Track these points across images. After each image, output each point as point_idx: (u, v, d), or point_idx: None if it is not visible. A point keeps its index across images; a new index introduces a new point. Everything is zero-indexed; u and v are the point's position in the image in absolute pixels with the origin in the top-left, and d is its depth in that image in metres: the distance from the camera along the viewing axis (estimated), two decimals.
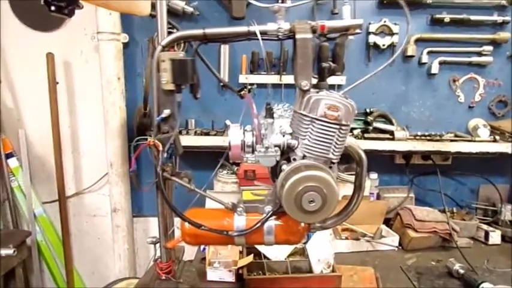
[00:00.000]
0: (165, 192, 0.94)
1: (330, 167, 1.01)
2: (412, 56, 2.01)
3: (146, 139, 0.99)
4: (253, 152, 1.00)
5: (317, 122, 0.94)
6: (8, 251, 1.56)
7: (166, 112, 0.95)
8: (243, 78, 2.01)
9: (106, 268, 2.29)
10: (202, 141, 1.94)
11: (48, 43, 2.01)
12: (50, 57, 1.96)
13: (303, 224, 1.04)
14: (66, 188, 2.15)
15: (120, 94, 1.97)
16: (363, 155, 1.04)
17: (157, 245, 1.18)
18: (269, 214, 1.03)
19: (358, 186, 1.07)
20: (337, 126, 0.95)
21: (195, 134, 1.98)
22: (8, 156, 2.10)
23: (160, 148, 0.92)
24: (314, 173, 0.93)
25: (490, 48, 2.01)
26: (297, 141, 0.98)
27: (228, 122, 2.14)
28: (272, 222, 1.05)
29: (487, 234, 1.92)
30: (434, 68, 2.03)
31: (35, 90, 2.06)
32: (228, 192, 1.88)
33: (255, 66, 2.01)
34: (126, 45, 2.00)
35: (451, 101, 2.11)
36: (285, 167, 0.98)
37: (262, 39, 0.96)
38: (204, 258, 1.63)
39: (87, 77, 2.07)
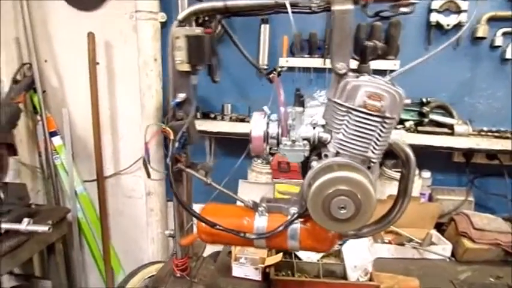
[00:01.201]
0: (175, 186, 0.85)
1: (369, 168, 0.85)
2: (483, 38, 1.72)
3: (160, 125, 0.90)
4: (278, 144, 0.87)
5: (354, 112, 0.78)
6: (43, 228, 1.59)
7: (181, 96, 0.85)
8: (284, 62, 1.85)
9: (140, 250, 2.31)
10: (237, 127, 1.84)
11: (90, 23, 2.00)
12: (91, 37, 1.95)
13: (333, 231, 0.90)
14: (104, 168, 2.18)
15: (156, 76, 1.92)
16: (411, 155, 0.86)
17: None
18: (293, 217, 0.90)
19: (403, 191, 0.90)
20: (380, 119, 0.78)
21: (231, 119, 1.88)
22: (52, 134, 2.16)
23: (171, 136, 0.82)
24: (347, 174, 0.78)
25: None
26: (330, 135, 0.84)
27: (265, 108, 2.02)
28: (297, 226, 0.92)
29: None
30: (510, 53, 1.72)
31: (78, 70, 2.07)
32: (261, 183, 1.76)
33: (297, 49, 1.85)
34: (164, 25, 1.93)
35: None
36: (315, 164, 0.84)
37: (293, 12, 0.81)
38: (231, 252, 1.55)
39: (126, 58, 2.04)
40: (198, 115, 1.89)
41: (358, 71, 0.81)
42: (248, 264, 1.44)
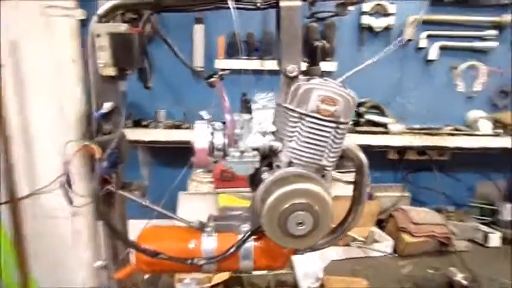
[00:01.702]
0: (104, 212, 0.71)
1: (323, 176, 0.80)
2: (409, 40, 1.80)
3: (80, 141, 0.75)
4: (225, 156, 0.78)
5: (307, 118, 0.72)
6: None
7: (107, 106, 0.71)
8: (220, 64, 1.76)
9: (68, 275, 2.04)
10: (173, 135, 1.70)
11: None
12: None
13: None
14: (18, 188, 1.88)
15: (76, 80, 1.70)
16: (364, 160, 0.82)
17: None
18: (246, 235, 0.81)
19: (358, 198, 0.86)
20: (334, 125, 0.73)
21: (165, 127, 1.74)
22: None
23: (97, 155, 0.68)
24: (303, 186, 0.71)
25: (493, 32, 1.82)
26: (282, 144, 0.76)
27: (203, 113, 1.91)
28: (250, 244, 0.83)
29: (485, 236, 1.77)
30: (433, 54, 1.83)
31: None
32: (203, 194, 1.65)
33: (233, 50, 1.77)
34: (83, 23, 1.72)
35: (450, 90, 1.93)
36: (266, 176, 0.76)
37: (237, 7, 0.72)
38: None
39: (39, 60, 1.78)
40: (129, 123, 1.71)
41: (308, 74, 0.75)
42: (193, 284, 1.32)
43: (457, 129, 1.86)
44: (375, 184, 1.92)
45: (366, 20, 1.77)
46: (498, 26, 1.83)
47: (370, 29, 1.80)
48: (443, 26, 1.82)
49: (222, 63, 1.75)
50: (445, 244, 1.67)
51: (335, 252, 1.61)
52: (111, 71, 0.68)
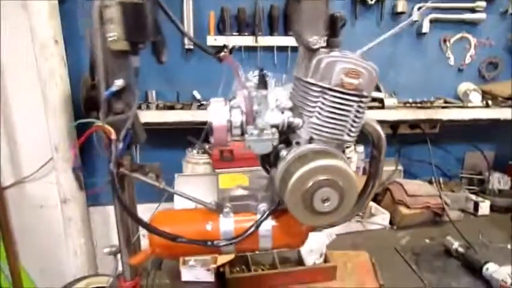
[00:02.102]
0: (122, 196, 0.67)
1: (343, 152, 0.79)
2: (402, 13, 1.78)
3: (93, 121, 0.70)
4: (242, 135, 0.75)
5: (330, 93, 0.70)
6: None
7: (118, 83, 0.66)
8: (212, 40, 1.70)
9: (60, 265, 1.98)
10: (166, 116, 1.64)
11: None
12: None
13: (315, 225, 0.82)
14: (2, 177, 1.78)
15: (59, 61, 1.60)
16: (383, 135, 0.82)
17: (119, 256, 0.91)
18: (266, 214, 0.80)
19: (374, 173, 0.86)
20: (357, 99, 0.71)
21: (157, 108, 1.67)
22: None
23: (113, 136, 0.64)
24: (327, 162, 0.70)
25: (483, 3, 1.83)
26: (301, 120, 0.74)
27: (196, 92, 1.85)
28: (269, 224, 0.82)
29: (476, 205, 1.83)
30: (425, 27, 1.83)
31: None
32: (201, 175, 1.62)
33: (225, 26, 1.70)
34: (61, 1, 1.60)
35: (441, 63, 1.94)
36: (285, 154, 0.74)
37: None
38: None
39: (16, 41, 1.66)
40: None
41: (328, 46, 0.72)
42: (198, 266, 1.31)
43: (447, 102, 1.89)
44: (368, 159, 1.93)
45: None
46: None
47: (363, 1, 1.77)
48: None
49: (214, 40, 1.68)
50: (439, 214, 1.72)
51: (335, 228, 1.62)
52: (123, 45, 0.63)
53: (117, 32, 0.61)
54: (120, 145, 0.65)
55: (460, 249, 1.44)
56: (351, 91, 0.70)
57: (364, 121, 0.77)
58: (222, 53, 0.85)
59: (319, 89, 0.70)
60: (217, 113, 0.72)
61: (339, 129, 0.73)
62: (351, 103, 0.71)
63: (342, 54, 0.70)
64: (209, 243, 0.76)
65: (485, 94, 1.87)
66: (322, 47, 0.70)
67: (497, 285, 1.24)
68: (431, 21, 1.83)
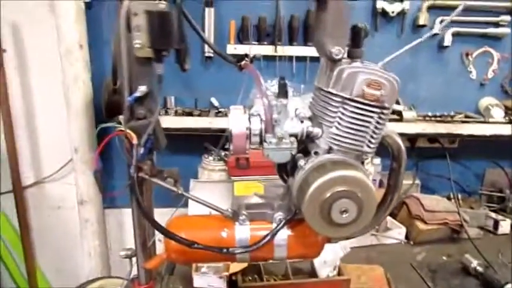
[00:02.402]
0: (141, 200, 0.68)
1: (362, 163, 0.78)
2: (423, 26, 1.77)
3: (114, 126, 0.71)
4: (261, 143, 0.75)
5: (351, 103, 0.69)
6: None
7: (141, 90, 0.67)
8: (232, 49, 1.72)
9: (75, 267, 2.01)
10: (184, 122, 1.66)
11: None
12: None
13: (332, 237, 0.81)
14: (22, 177, 1.83)
15: (83, 66, 1.65)
16: (403, 148, 0.81)
17: (134, 260, 0.92)
18: (282, 223, 0.79)
19: (394, 186, 0.84)
20: (378, 110, 0.70)
21: (176, 114, 1.70)
22: None
23: (135, 141, 0.65)
24: (346, 173, 0.69)
25: (508, 18, 1.80)
26: (321, 129, 0.74)
27: (213, 99, 1.87)
28: (284, 233, 0.81)
29: (496, 223, 1.78)
30: (447, 40, 1.81)
31: None
32: (217, 182, 1.62)
33: (245, 35, 1.72)
34: (89, 6, 1.65)
35: (462, 77, 1.91)
36: (303, 163, 0.74)
37: None
38: None
39: (42, 45, 1.72)
40: None
41: (350, 56, 0.72)
42: (211, 273, 1.30)
43: (467, 116, 1.85)
44: (385, 172, 1.90)
45: (380, 4, 1.73)
46: (511, 12, 1.80)
47: (384, 13, 1.76)
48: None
49: (234, 49, 1.70)
50: (457, 231, 1.68)
51: (349, 241, 1.60)
52: (147, 53, 0.64)
53: (143, 39, 0.63)
54: (141, 150, 0.66)
55: (479, 268, 1.40)
56: (372, 102, 0.69)
57: (384, 133, 0.77)
58: (243, 62, 0.86)
59: (339, 99, 0.70)
60: (237, 120, 0.73)
61: (358, 140, 0.72)
62: (372, 114, 0.70)
63: (364, 65, 0.70)
64: (224, 250, 0.76)
65: (507, 110, 1.83)
66: (344, 58, 0.70)
67: None
68: (454, 35, 1.81)
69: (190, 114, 1.70)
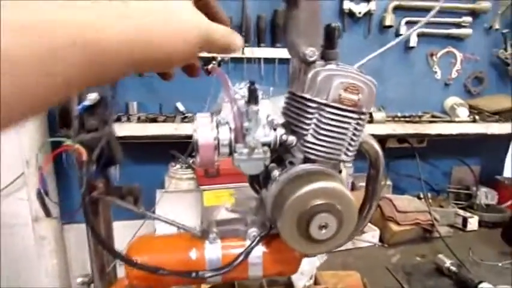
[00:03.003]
0: (95, 224, 0.59)
1: (339, 172, 0.73)
2: (390, 26, 1.77)
3: (62, 140, 0.62)
4: (231, 154, 0.68)
5: (327, 109, 0.64)
6: None
7: (92, 97, 0.58)
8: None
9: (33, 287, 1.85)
10: (148, 129, 1.56)
11: None
12: None
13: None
14: None
15: None
16: (381, 154, 0.76)
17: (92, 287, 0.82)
18: (256, 240, 0.73)
19: (372, 194, 0.80)
20: (356, 116, 0.66)
21: (139, 120, 1.59)
22: None
23: (84, 157, 0.56)
24: (324, 185, 0.64)
25: (469, 19, 1.84)
26: (296, 137, 0.68)
27: (179, 104, 1.78)
28: (259, 250, 0.75)
29: (465, 220, 1.81)
30: (413, 41, 1.82)
31: None
32: (185, 192, 1.53)
33: None
34: None
35: (428, 78, 1.94)
36: (277, 174, 0.68)
37: None
38: None
39: None
40: None
41: (324, 58, 0.66)
42: None
43: (434, 116, 1.88)
44: (357, 174, 1.89)
45: (347, 5, 1.72)
46: (473, 13, 1.85)
47: (350, 14, 1.75)
48: (421, 12, 1.80)
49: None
50: (428, 231, 1.69)
51: None
52: None
53: None
54: (93, 167, 0.57)
55: (452, 268, 1.40)
56: (349, 107, 0.64)
57: (361, 138, 0.72)
58: (211, 65, 0.79)
59: (315, 105, 0.64)
60: (203, 130, 0.66)
61: (336, 149, 0.67)
62: (350, 120, 0.65)
63: (339, 68, 0.65)
64: (194, 274, 0.68)
65: (471, 109, 1.87)
66: (318, 60, 0.65)
67: None
68: (419, 36, 1.83)
69: (154, 120, 1.60)
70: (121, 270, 0.83)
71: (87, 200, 0.56)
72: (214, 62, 0.79)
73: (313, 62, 0.63)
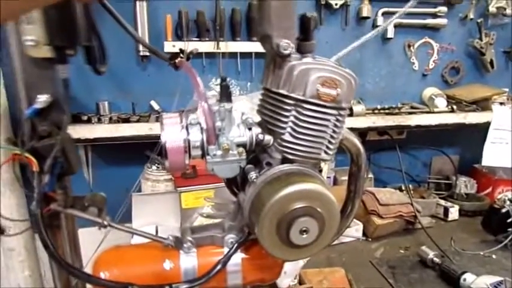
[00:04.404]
0: (49, 240, 0.53)
1: (320, 171, 0.69)
2: (367, 18, 1.75)
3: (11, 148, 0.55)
4: (203, 156, 0.63)
5: (304, 105, 0.60)
6: None
7: (42, 99, 0.52)
8: (170, 46, 1.57)
9: None
10: (120, 130, 1.48)
11: None
12: None
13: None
14: None
15: None
16: (362, 150, 0.73)
17: None
18: (234, 247, 0.68)
19: (354, 192, 0.77)
20: (335, 112, 0.62)
21: (110, 121, 1.51)
22: None
23: (35, 168, 0.50)
24: (304, 187, 0.60)
25: (444, 9, 1.83)
26: (272, 137, 0.64)
27: (153, 103, 1.71)
28: (238, 257, 0.70)
29: (446, 210, 1.82)
30: (390, 32, 1.80)
31: None
32: (161, 194, 1.47)
33: (183, 31, 1.58)
34: None
35: (406, 68, 1.93)
36: (254, 177, 0.63)
37: None
38: None
39: None
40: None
41: (299, 51, 0.62)
42: None
43: (413, 107, 1.87)
44: (338, 168, 1.87)
45: None
46: (448, 3, 1.84)
47: (327, 5, 1.71)
48: (397, 2, 1.78)
49: (172, 46, 1.55)
50: (411, 222, 1.69)
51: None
52: (45, 52, 0.49)
53: (37, 34, 0.48)
54: (46, 178, 0.51)
55: (436, 260, 1.40)
56: (328, 103, 0.60)
57: (342, 136, 0.68)
58: (178, 59, 0.73)
59: (291, 102, 0.60)
60: (171, 131, 0.60)
61: (315, 147, 0.63)
62: (329, 117, 0.62)
63: (316, 61, 0.60)
64: (167, 287, 0.63)
65: (449, 99, 1.87)
66: (294, 53, 0.60)
67: None
68: (396, 26, 1.81)
69: (127, 120, 1.52)
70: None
71: (38, 214, 0.50)
72: (182, 56, 0.74)
73: (288, 55, 0.59)
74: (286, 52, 0.58)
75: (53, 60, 0.51)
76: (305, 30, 0.61)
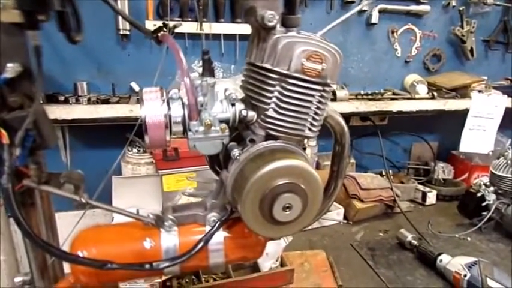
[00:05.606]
0: (22, 217, 0.50)
1: (304, 149, 0.69)
2: (352, 2, 1.74)
3: None
4: (185, 132, 0.62)
5: (289, 80, 0.59)
6: None
7: (12, 68, 0.49)
8: (151, 26, 1.51)
9: None
10: (99, 111, 1.44)
11: None
12: None
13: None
14: None
15: None
16: (346, 129, 0.73)
17: None
18: (216, 225, 0.67)
19: (337, 171, 0.77)
20: (320, 87, 0.61)
21: (89, 102, 1.46)
22: None
23: (5, 141, 0.47)
24: (288, 163, 0.59)
25: None
26: (256, 112, 0.62)
27: (134, 84, 1.66)
28: (220, 236, 0.70)
29: (424, 195, 1.86)
30: (374, 17, 1.80)
31: None
32: (142, 177, 1.44)
33: (165, 10, 1.53)
34: None
35: (389, 55, 1.94)
36: (237, 154, 0.62)
37: None
38: None
39: None
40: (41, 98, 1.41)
41: (284, 25, 0.60)
42: (141, 281, 1.15)
43: (395, 94, 1.89)
44: (321, 153, 1.88)
45: None
46: None
47: None
48: None
49: (153, 25, 1.50)
50: (390, 206, 1.72)
51: None
52: (14, 16, 0.46)
53: None
54: (17, 151, 0.49)
55: (414, 242, 1.43)
56: (313, 78, 0.59)
57: (326, 113, 0.68)
58: (161, 33, 0.71)
59: (276, 76, 0.59)
60: (152, 106, 0.58)
61: (299, 124, 0.63)
62: (313, 92, 0.61)
63: (302, 35, 0.59)
64: (147, 266, 0.62)
65: (430, 86, 1.90)
66: (278, 27, 0.59)
67: (451, 277, 1.24)
68: (380, 12, 1.81)
69: (106, 101, 1.47)
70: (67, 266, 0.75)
71: (9, 189, 0.47)
72: (165, 29, 0.71)
73: (273, 27, 0.57)
74: (271, 24, 0.56)
75: (22, 26, 0.48)
76: (290, 3, 0.60)
